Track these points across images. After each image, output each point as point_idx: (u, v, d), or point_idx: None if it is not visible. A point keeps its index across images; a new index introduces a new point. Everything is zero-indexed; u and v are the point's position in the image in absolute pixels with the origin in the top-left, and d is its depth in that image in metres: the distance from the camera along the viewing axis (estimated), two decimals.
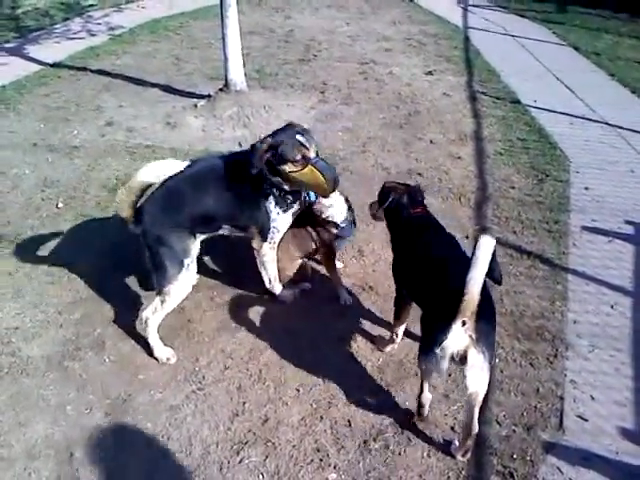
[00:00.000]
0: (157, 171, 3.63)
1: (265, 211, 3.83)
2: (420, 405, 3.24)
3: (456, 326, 2.62)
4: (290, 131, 3.71)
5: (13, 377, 3.56)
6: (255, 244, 3.99)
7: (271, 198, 3.80)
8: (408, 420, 3.29)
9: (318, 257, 4.36)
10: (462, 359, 2.70)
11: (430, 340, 2.77)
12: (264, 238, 3.93)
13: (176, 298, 3.65)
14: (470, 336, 2.65)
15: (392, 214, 3.57)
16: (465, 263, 2.61)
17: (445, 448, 3.15)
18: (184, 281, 3.63)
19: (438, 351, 2.70)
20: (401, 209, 3.48)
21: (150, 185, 3.65)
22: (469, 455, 3.08)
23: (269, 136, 3.71)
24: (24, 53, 9.79)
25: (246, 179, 3.70)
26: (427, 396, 3.22)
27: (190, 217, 3.66)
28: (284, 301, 4.21)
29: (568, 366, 3.69)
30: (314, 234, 4.12)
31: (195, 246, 3.72)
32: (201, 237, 3.80)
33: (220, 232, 3.94)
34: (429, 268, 3.12)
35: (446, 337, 2.64)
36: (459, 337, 2.65)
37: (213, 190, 3.72)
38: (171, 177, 3.70)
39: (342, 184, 4.20)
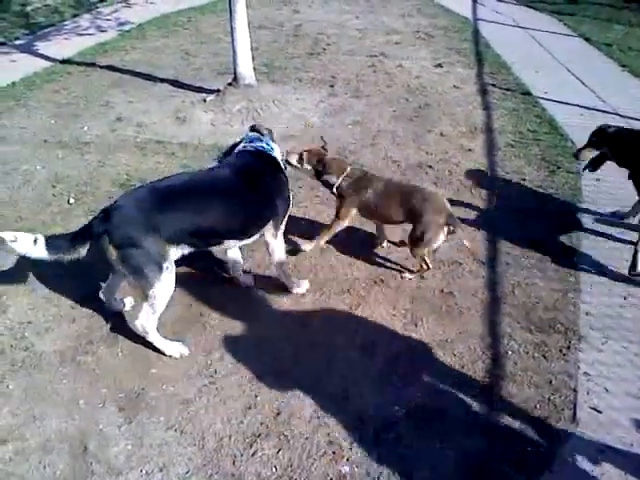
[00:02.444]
0: None
1: (286, 198, 4.00)
2: None
3: None
4: None
5: (27, 371, 3.58)
6: (270, 239, 4.02)
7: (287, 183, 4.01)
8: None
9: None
10: None
11: None
12: (277, 228, 4.00)
13: (165, 298, 3.58)
14: None
15: None
16: None
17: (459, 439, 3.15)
18: (167, 282, 3.55)
19: None
20: None
21: None
22: None
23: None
24: (34, 50, 9.81)
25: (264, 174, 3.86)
26: None
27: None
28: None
29: (581, 358, 3.68)
30: None
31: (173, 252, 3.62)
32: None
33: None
34: None
35: None
36: None
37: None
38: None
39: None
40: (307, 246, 4.53)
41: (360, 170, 4.55)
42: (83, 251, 3.46)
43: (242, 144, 4.06)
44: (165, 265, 3.47)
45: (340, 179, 4.33)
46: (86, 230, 3.48)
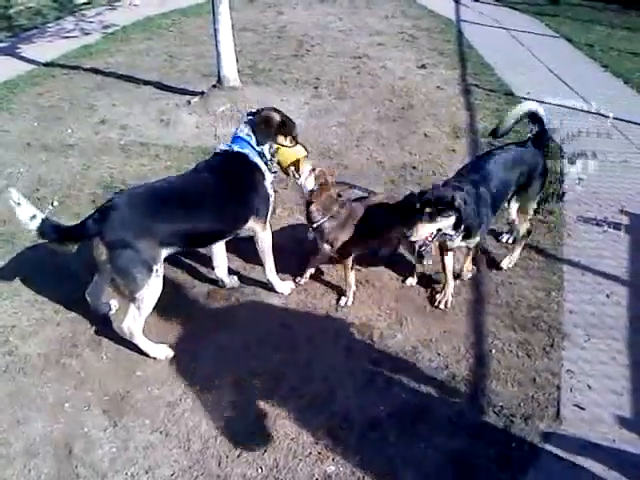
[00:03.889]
0: None
1: (264, 192, 4.00)
2: None
3: None
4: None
5: (11, 375, 3.56)
6: (257, 230, 4.04)
7: (268, 177, 4.02)
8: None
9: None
10: None
11: None
12: (264, 221, 4.03)
13: (152, 302, 3.58)
14: None
15: None
16: None
17: (443, 439, 3.17)
18: (155, 285, 3.56)
19: None
20: None
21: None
22: None
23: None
24: (17, 52, 9.77)
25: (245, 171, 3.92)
26: None
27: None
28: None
29: (565, 356, 3.70)
30: None
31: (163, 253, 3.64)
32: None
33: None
34: None
35: None
36: None
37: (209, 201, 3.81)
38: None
39: (337, 179, 4.27)
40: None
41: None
42: (71, 246, 3.57)
43: (222, 145, 4.07)
44: (155, 268, 3.49)
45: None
46: (79, 229, 3.49)
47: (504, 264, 4.48)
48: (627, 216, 5.12)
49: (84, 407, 3.36)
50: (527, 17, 12.76)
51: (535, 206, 4.52)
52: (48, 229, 3.43)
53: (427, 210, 3.58)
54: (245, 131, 4.01)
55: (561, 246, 4.75)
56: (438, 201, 3.58)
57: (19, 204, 3.33)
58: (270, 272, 4.21)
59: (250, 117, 4.08)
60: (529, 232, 4.50)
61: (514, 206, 4.36)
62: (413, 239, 3.71)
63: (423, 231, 3.62)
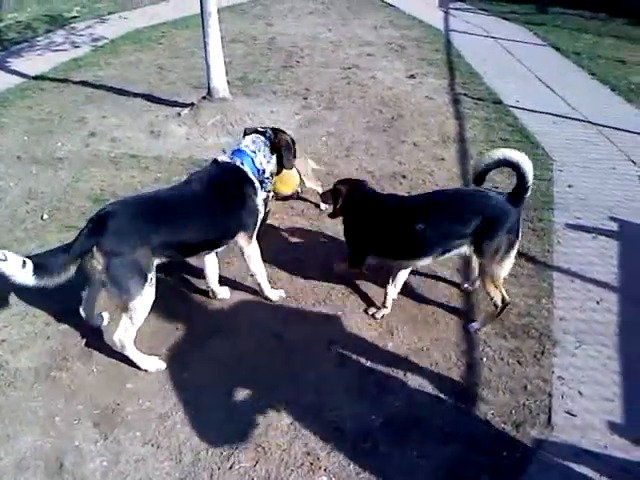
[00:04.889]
0: None
1: (254, 209, 3.97)
2: None
3: None
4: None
5: (1, 389, 3.54)
6: (245, 246, 4.03)
7: (260, 193, 4.00)
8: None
9: None
10: None
11: None
12: (251, 236, 4.02)
13: (144, 312, 3.57)
14: None
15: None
16: None
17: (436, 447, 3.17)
18: (148, 294, 3.55)
19: None
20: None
21: None
22: None
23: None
24: (6, 66, 9.75)
25: (234, 187, 3.89)
26: None
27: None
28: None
29: (555, 363, 3.72)
30: None
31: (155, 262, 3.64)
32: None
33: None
34: None
35: None
36: None
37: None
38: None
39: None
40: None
41: None
42: (73, 270, 3.39)
43: (223, 156, 4.05)
44: (149, 277, 3.49)
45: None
46: (76, 245, 3.39)
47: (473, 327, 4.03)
48: (616, 222, 5.15)
49: (75, 420, 3.34)
50: (515, 26, 12.84)
51: (503, 272, 3.85)
52: (46, 266, 3.31)
53: None
54: (251, 147, 4.01)
55: (551, 253, 4.77)
56: None
57: (4, 259, 3.15)
58: (261, 277, 4.21)
59: (262, 135, 4.09)
60: (503, 304, 3.90)
61: (475, 261, 4.06)
62: None
63: None
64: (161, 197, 3.83)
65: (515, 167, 3.65)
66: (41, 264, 3.31)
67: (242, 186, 3.92)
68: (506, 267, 3.82)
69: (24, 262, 3.22)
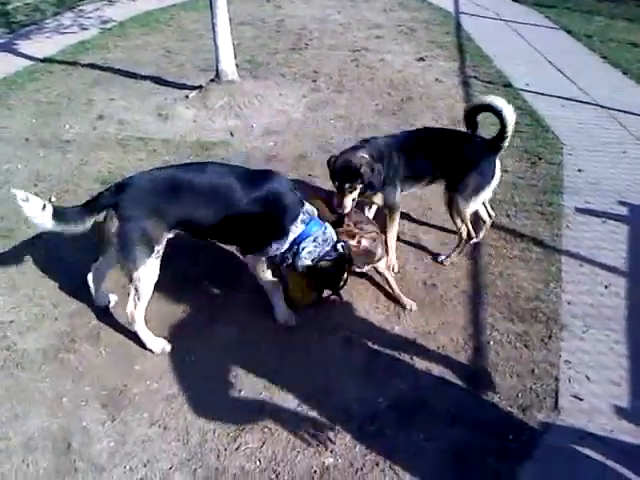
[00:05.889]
0: None
1: (286, 232, 3.63)
2: None
3: None
4: None
5: (9, 371, 3.56)
6: (258, 268, 3.82)
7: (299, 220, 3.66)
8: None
9: None
10: None
11: None
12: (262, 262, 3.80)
13: (148, 284, 3.55)
14: None
15: None
16: None
17: (442, 430, 3.17)
18: (152, 266, 3.53)
19: None
20: None
21: None
22: None
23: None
24: (14, 49, 9.72)
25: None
26: None
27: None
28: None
29: (563, 347, 3.71)
30: None
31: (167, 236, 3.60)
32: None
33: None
34: None
35: None
36: None
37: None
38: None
39: None
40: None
41: None
42: (89, 224, 3.48)
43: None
44: (157, 248, 3.49)
45: None
46: (95, 201, 3.49)
47: (441, 258, 4.52)
48: (626, 207, 5.11)
49: (82, 402, 3.36)
50: (526, 8, 12.72)
51: (470, 209, 4.27)
52: (64, 213, 3.42)
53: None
54: (322, 237, 3.66)
55: (560, 237, 4.74)
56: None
57: (26, 200, 3.24)
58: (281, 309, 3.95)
59: (340, 246, 3.72)
60: (468, 236, 4.40)
61: (444, 197, 4.36)
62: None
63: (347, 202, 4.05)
64: (189, 176, 3.62)
65: (499, 115, 4.08)
66: (60, 211, 3.41)
67: (279, 209, 3.63)
68: (472, 205, 4.27)
69: (44, 205, 3.30)
